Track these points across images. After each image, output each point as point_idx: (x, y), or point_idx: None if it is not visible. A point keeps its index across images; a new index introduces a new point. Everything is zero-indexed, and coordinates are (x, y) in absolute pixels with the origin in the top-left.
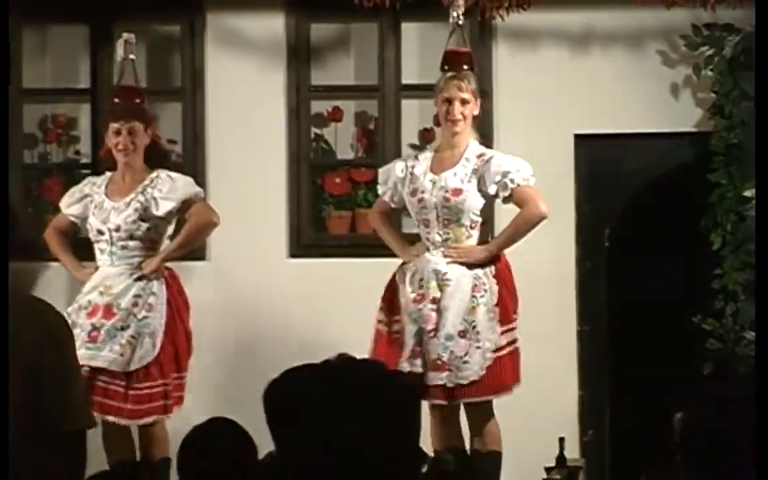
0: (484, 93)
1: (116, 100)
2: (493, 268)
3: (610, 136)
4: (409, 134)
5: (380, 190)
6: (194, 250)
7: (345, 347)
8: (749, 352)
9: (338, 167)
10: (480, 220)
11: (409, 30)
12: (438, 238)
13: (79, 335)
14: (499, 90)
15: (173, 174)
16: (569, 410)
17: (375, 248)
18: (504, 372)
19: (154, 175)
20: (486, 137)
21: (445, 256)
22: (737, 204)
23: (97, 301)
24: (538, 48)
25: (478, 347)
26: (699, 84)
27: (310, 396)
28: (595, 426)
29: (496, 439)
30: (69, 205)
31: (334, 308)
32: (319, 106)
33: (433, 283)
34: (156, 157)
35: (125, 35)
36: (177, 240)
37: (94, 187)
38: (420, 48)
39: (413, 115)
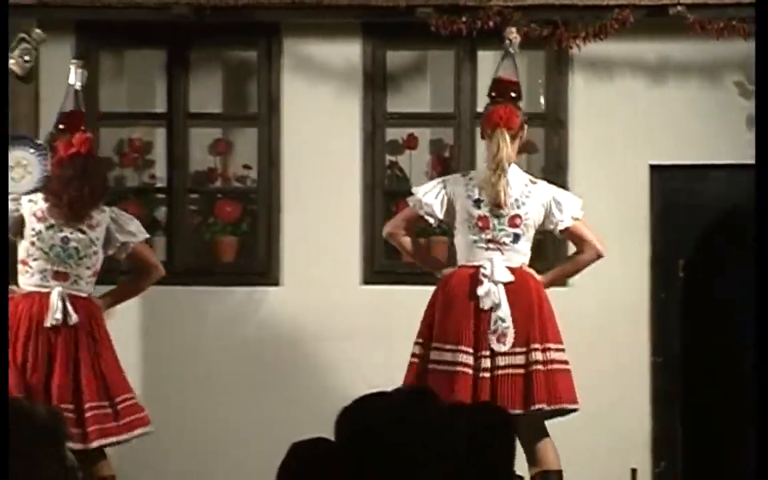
0: (559, 123)
1: (61, 126)
2: None
3: (685, 167)
4: (484, 162)
5: None
6: (269, 276)
7: None
8: None
9: None
10: None
11: (485, 58)
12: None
13: None
14: (574, 120)
15: None
16: (642, 441)
17: None
18: None
19: None
20: (561, 167)
21: None
22: None
23: None
24: (613, 78)
25: None
26: None
27: (383, 423)
28: (668, 457)
29: None
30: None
31: (407, 335)
32: (394, 134)
33: None
34: None
35: (74, 61)
36: None
37: None
38: None
39: None
